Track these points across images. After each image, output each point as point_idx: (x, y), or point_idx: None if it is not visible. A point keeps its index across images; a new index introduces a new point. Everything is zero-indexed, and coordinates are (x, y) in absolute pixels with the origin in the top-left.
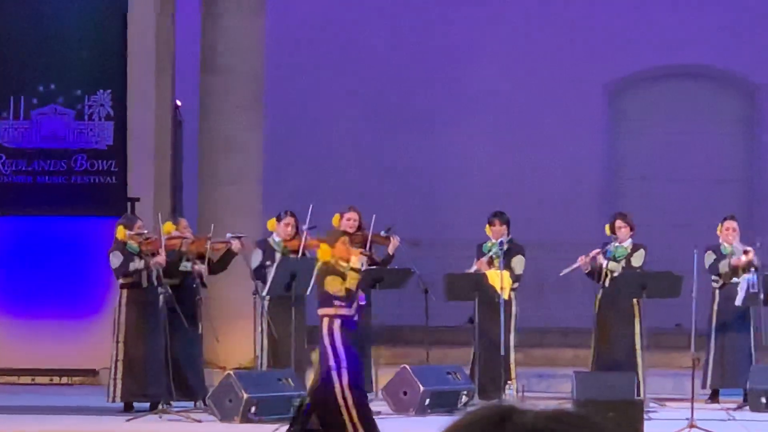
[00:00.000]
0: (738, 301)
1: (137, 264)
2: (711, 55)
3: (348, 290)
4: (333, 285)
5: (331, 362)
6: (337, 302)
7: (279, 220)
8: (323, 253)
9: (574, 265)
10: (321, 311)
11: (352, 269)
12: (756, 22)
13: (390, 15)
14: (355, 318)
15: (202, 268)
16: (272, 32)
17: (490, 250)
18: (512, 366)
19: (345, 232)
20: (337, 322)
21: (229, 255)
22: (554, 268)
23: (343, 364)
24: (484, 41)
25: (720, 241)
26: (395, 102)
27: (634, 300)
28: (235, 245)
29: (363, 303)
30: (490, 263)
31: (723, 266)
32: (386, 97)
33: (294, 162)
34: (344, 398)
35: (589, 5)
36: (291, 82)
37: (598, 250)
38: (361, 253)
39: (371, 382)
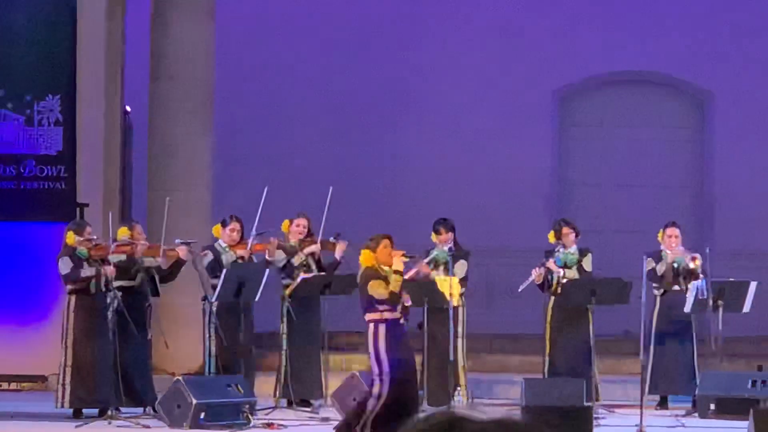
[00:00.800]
0: (687, 308)
1: (88, 271)
2: (660, 62)
3: (392, 293)
4: (377, 289)
5: (375, 369)
6: (381, 306)
7: (224, 225)
8: (366, 258)
9: (530, 279)
10: (367, 316)
11: (395, 272)
12: (705, 29)
13: (341, 20)
14: (401, 321)
15: (160, 261)
16: (222, 38)
17: (434, 255)
18: (461, 372)
19: (386, 236)
20: (382, 327)
21: (178, 264)
22: (503, 273)
23: (386, 371)
24: (435, 46)
25: (662, 248)
26: (345, 107)
27: (587, 306)
28: (183, 253)
29: (408, 304)
30: (432, 264)
31: (660, 268)
32: (337, 102)
33: (244, 168)
34: (374, 406)
35: (539, 11)
36: (241, 88)
37: (552, 261)
38: (403, 255)
39: (321, 388)
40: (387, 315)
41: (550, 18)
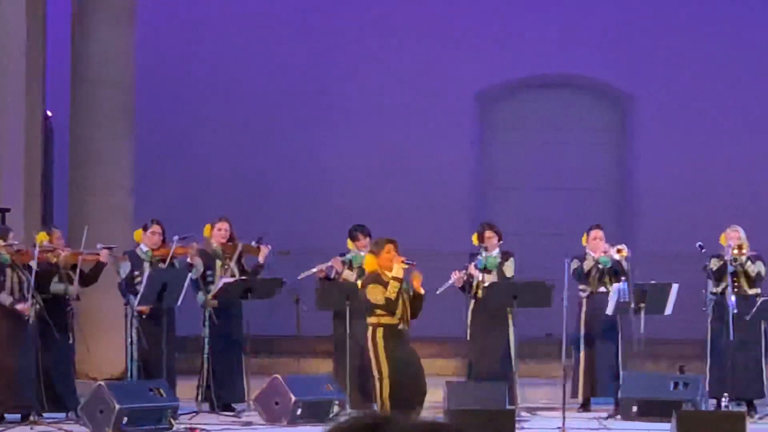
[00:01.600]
0: (609, 310)
1: (5, 300)
2: (582, 65)
3: (388, 300)
4: (373, 294)
5: (374, 372)
6: (378, 311)
7: (145, 229)
8: (369, 262)
9: (449, 282)
10: (367, 320)
11: (394, 278)
12: (626, 32)
13: (260, 24)
14: (400, 327)
15: (73, 288)
16: (143, 41)
17: (350, 256)
18: None
19: (391, 241)
20: (379, 331)
21: (99, 267)
22: (424, 276)
23: (385, 373)
24: (355, 48)
25: (586, 250)
26: (265, 111)
27: (507, 309)
28: (104, 256)
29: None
30: (347, 265)
31: (587, 265)
32: (258, 104)
33: (166, 172)
34: (381, 409)
35: (461, 13)
36: (163, 91)
37: (472, 264)
38: (403, 261)
39: (243, 393)
40: (384, 320)
41: (473, 20)
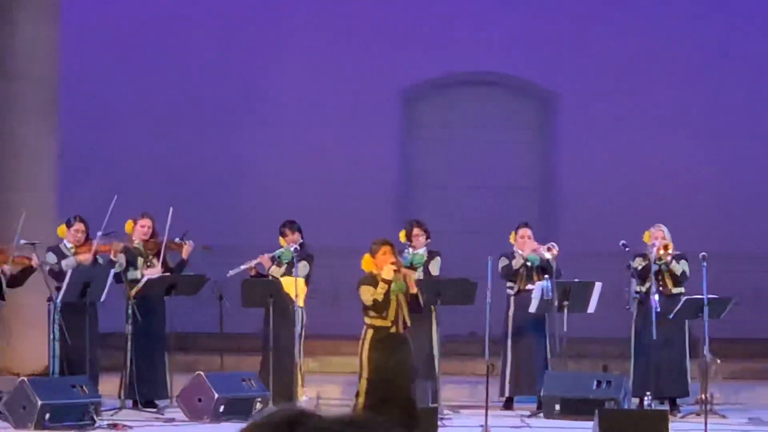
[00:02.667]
0: (532, 308)
1: None
2: (506, 63)
3: (375, 301)
4: (364, 294)
5: (360, 371)
6: (371, 312)
7: (69, 226)
8: (365, 262)
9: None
10: (364, 319)
11: (382, 279)
12: (550, 30)
13: (184, 20)
14: (392, 330)
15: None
16: (68, 38)
17: (278, 252)
18: (300, 372)
19: (387, 242)
20: (370, 332)
21: (27, 271)
22: (349, 274)
23: (364, 375)
24: (280, 45)
25: (514, 248)
26: (193, 107)
27: (431, 307)
28: (35, 260)
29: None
30: (275, 262)
31: (516, 262)
32: (184, 101)
33: (91, 168)
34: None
35: (386, 10)
36: (87, 88)
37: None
38: (393, 263)
39: (166, 389)
40: (377, 322)
41: (397, 18)
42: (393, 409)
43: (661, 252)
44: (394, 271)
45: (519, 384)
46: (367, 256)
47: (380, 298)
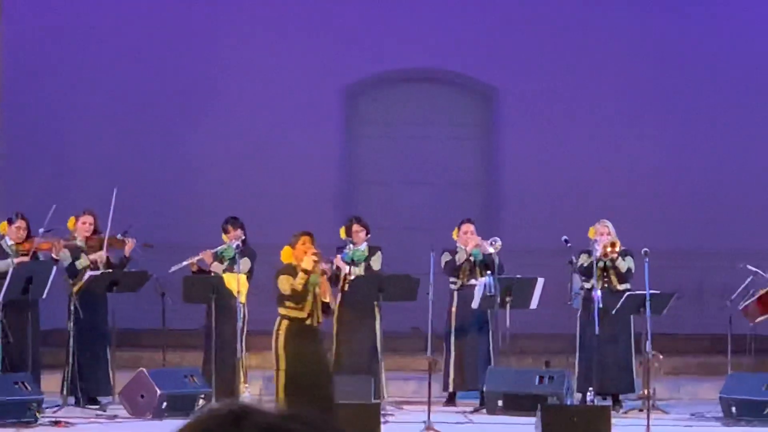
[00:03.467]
0: (474, 304)
1: None
2: (449, 59)
3: (293, 290)
4: (282, 284)
5: (274, 363)
6: (288, 303)
7: (10, 223)
8: (285, 254)
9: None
10: (278, 310)
11: (303, 270)
12: (493, 27)
13: (130, 18)
14: (308, 321)
15: None
16: (11, 34)
17: (221, 249)
18: (242, 368)
19: (307, 233)
20: (284, 323)
21: None
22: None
23: (281, 366)
24: (222, 41)
25: (457, 244)
26: (137, 104)
27: (374, 303)
28: None
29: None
30: (218, 258)
31: (459, 257)
32: (127, 99)
33: (32, 165)
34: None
35: (327, 7)
36: (31, 85)
37: (338, 257)
38: (313, 254)
39: (109, 386)
40: (292, 314)
41: (338, 14)
42: (311, 402)
43: (608, 249)
44: (314, 261)
45: (462, 379)
46: (286, 247)
47: (299, 287)
